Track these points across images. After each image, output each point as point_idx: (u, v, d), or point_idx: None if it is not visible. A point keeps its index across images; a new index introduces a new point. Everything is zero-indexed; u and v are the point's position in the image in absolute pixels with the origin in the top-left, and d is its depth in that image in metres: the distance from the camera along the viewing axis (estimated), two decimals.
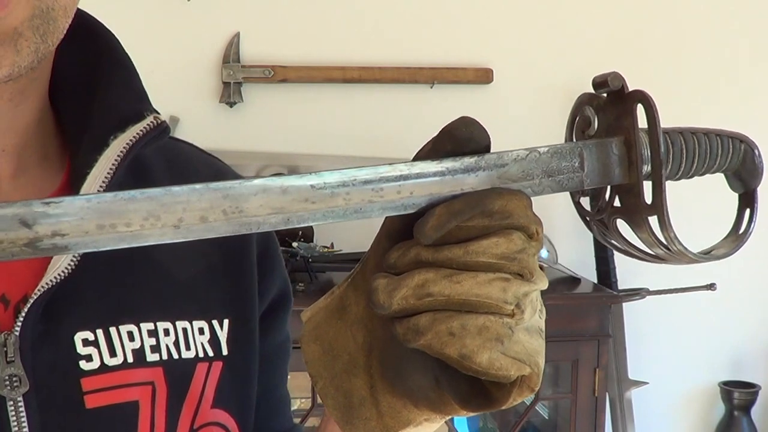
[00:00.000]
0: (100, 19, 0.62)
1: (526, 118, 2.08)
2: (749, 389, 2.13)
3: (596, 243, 2.07)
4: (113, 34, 0.62)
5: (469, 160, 0.45)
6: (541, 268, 0.47)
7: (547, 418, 2.11)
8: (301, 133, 2.04)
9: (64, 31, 0.51)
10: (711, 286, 2.05)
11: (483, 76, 2.06)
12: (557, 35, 2.11)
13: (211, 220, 0.39)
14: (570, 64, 2.10)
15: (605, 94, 0.53)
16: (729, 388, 2.14)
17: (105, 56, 0.60)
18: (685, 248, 0.53)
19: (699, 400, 2.27)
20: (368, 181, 0.43)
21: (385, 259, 0.45)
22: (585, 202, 0.56)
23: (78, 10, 0.57)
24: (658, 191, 0.52)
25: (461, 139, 0.46)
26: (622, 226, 0.54)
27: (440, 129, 0.47)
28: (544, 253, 1.96)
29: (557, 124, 2.27)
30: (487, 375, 0.43)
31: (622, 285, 2.06)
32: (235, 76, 1.98)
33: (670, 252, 0.53)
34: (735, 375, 2.24)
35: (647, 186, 0.52)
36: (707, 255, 0.57)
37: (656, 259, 0.55)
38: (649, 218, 0.52)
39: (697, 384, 2.26)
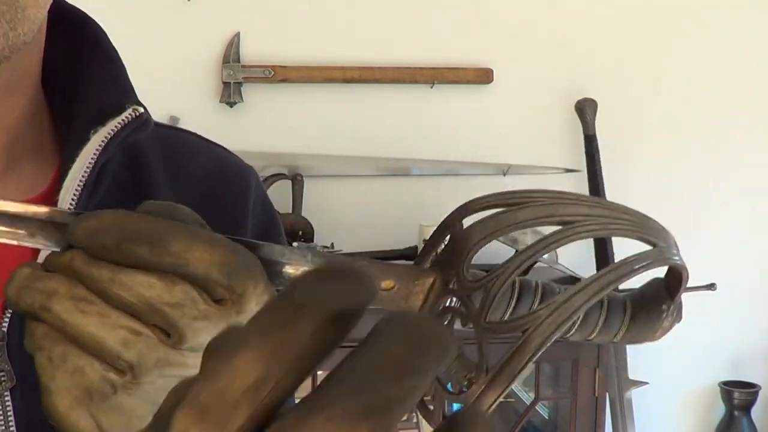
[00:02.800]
0: (99, 19, 0.62)
1: (526, 118, 2.08)
2: (749, 389, 2.13)
3: (596, 243, 2.07)
4: (100, 27, 0.61)
5: None
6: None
7: (547, 418, 2.11)
8: (301, 133, 2.04)
9: (37, 22, 0.51)
10: (711, 286, 2.03)
11: (483, 76, 2.06)
12: (557, 35, 2.11)
13: None
14: (570, 64, 2.10)
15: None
16: (729, 388, 2.14)
17: (90, 48, 0.60)
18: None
19: (699, 400, 2.27)
20: None
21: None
22: None
23: (65, 2, 0.57)
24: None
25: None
26: None
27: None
28: None
29: (557, 124, 2.28)
30: (59, 426, 0.36)
31: (622, 285, 2.06)
32: (235, 76, 1.98)
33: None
34: (735, 375, 2.23)
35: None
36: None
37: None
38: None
39: (697, 384, 2.26)
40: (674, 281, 0.47)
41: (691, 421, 2.29)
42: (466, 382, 0.41)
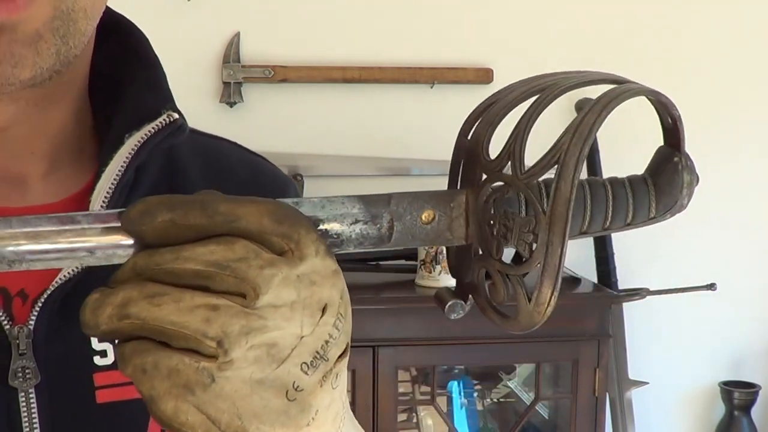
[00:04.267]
0: None
1: None
2: (749, 389, 2.13)
3: (596, 243, 2.07)
4: (142, 33, 0.63)
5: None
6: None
7: (547, 418, 2.11)
8: (301, 133, 2.04)
9: (87, 34, 0.51)
10: (711, 286, 2.05)
11: (483, 76, 2.06)
12: (557, 35, 2.11)
13: None
14: (570, 64, 2.10)
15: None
16: (729, 388, 2.14)
17: (132, 54, 0.61)
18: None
19: (699, 400, 2.27)
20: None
21: None
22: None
23: (109, 9, 0.57)
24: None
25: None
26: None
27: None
28: None
29: (557, 125, 2.28)
30: (170, 428, 0.37)
31: (622, 285, 2.06)
32: (235, 76, 1.98)
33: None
34: (735, 375, 2.23)
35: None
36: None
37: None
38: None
39: (697, 384, 2.26)
40: (673, 136, 0.48)
41: (691, 421, 2.29)
42: (531, 237, 0.41)
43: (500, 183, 0.43)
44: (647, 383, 2.13)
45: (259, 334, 0.36)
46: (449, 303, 0.46)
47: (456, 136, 0.48)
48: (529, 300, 0.42)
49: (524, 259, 0.41)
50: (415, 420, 2.07)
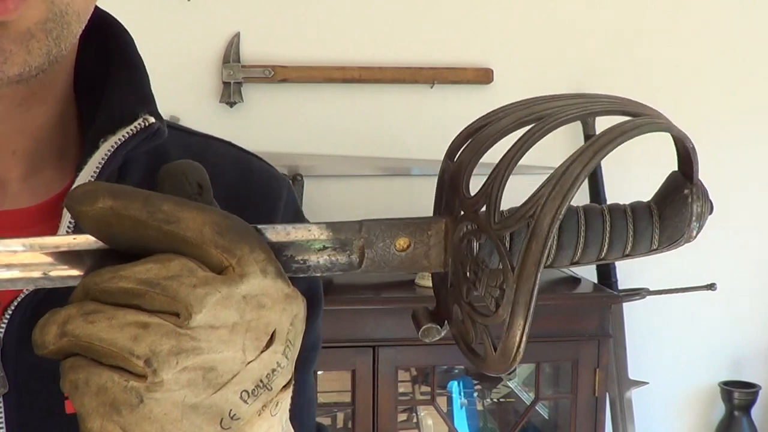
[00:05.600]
0: None
1: None
2: (749, 389, 2.13)
3: None
4: (128, 33, 0.61)
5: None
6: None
7: (547, 418, 2.11)
8: (301, 133, 2.04)
9: (77, 36, 0.51)
10: (711, 286, 2.05)
11: (483, 76, 2.06)
12: (557, 35, 2.11)
13: None
14: (570, 64, 2.10)
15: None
16: (729, 388, 2.14)
17: (115, 55, 0.60)
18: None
19: (699, 400, 2.27)
20: None
21: None
22: None
23: (97, 8, 0.57)
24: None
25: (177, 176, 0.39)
26: None
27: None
28: None
29: (557, 131, 2.28)
30: None
31: (622, 285, 2.06)
32: (235, 76, 1.98)
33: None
34: (735, 375, 2.23)
35: None
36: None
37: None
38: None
39: (697, 384, 2.26)
40: (687, 165, 0.45)
41: (691, 421, 2.29)
42: (498, 292, 0.39)
43: (471, 224, 0.41)
44: (647, 383, 2.13)
45: (192, 356, 0.35)
46: (424, 327, 0.45)
47: (455, 136, 0.47)
48: (495, 350, 0.40)
49: (492, 311, 0.40)
50: (415, 420, 2.07)
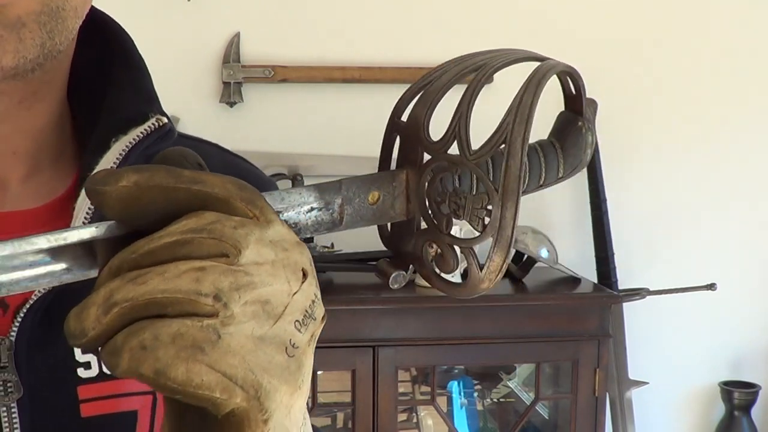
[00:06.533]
0: None
1: None
2: (749, 389, 2.13)
3: (596, 243, 2.07)
4: (127, 34, 0.61)
5: None
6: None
7: (547, 418, 2.11)
8: (301, 133, 2.04)
9: (74, 32, 0.51)
10: (711, 286, 2.05)
11: None
12: (557, 35, 2.11)
13: None
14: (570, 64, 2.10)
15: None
16: (729, 388, 2.14)
17: (117, 56, 0.60)
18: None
19: (699, 400, 2.27)
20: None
21: None
22: None
23: (94, 8, 0.56)
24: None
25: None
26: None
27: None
28: (544, 253, 1.96)
29: (550, 122, 2.28)
30: (185, 395, 0.34)
31: (622, 285, 2.06)
32: (235, 76, 1.98)
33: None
34: (735, 375, 2.23)
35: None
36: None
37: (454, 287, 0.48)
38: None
39: (697, 384, 2.26)
40: (575, 101, 0.53)
41: (691, 421, 2.29)
42: (485, 213, 0.44)
43: (446, 162, 0.46)
44: (647, 383, 2.13)
45: (249, 290, 0.36)
46: (393, 274, 0.48)
47: (398, 99, 0.52)
48: (481, 269, 0.45)
49: (477, 233, 0.45)
50: (415, 420, 2.07)
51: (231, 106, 2.01)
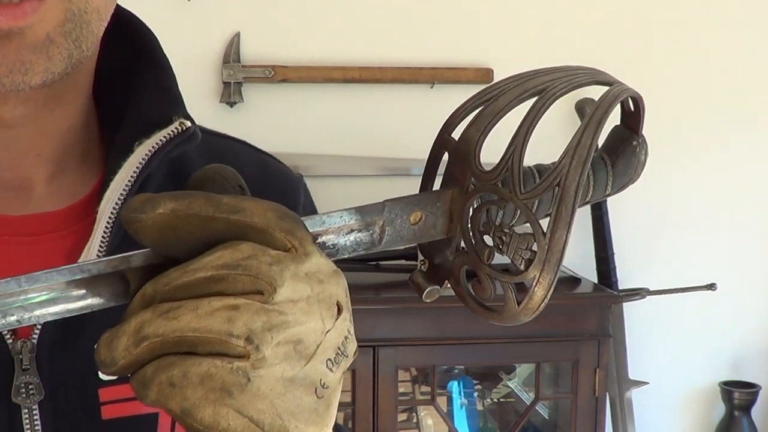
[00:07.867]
0: None
1: None
2: (749, 389, 2.13)
3: (596, 243, 2.07)
4: (152, 33, 0.61)
5: None
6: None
7: (547, 418, 2.11)
8: (301, 133, 2.04)
9: (100, 35, 0.50)
10: (711, 286, 2.05)
11: (483, 76, 2.06)
12: (557, 35, 2.11)
13: None
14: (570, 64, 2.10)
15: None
16: (729, 388, 2.14)
17: (142, 56, 0.59)
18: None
19: (699, 400, 2.27)
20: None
21: None
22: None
23: (119, 7, 0.55)
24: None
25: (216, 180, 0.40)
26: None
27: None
28: None
29: (557, 124, 2.28)
30: None
31: (622, 285, 2.06)
32: (235, 76, 1.98)
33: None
34: (735, 375, 2.23)
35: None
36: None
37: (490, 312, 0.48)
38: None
39: (697, 384, 2.26)
40: (632, 118, 0.51)
41: (691, 421, 2.29)
42: (529, 254, 0.44)
43: (495, 197, 0.45)
44: (647, 383, 2.13)
45: (282, 330, 0.35)
46: (428, 289, 0.48)
47: (451, 114, 0.50)
48: (519, 303, 0.44)
49: (520, 271, 0.44)
50: (415, 420, 2.07)
51: (231, 106, 2.01)
